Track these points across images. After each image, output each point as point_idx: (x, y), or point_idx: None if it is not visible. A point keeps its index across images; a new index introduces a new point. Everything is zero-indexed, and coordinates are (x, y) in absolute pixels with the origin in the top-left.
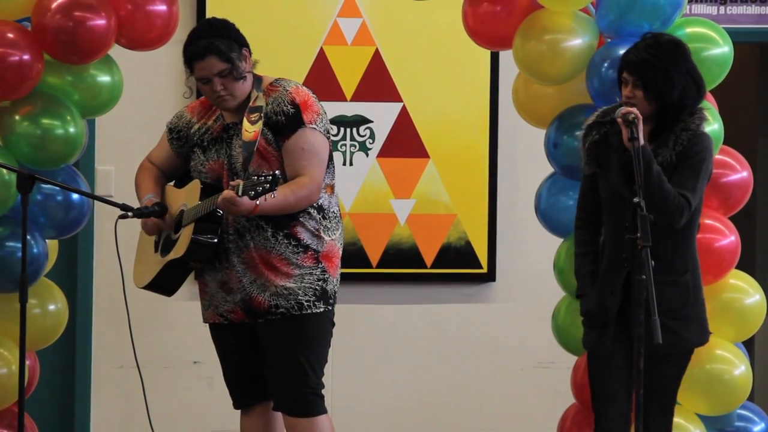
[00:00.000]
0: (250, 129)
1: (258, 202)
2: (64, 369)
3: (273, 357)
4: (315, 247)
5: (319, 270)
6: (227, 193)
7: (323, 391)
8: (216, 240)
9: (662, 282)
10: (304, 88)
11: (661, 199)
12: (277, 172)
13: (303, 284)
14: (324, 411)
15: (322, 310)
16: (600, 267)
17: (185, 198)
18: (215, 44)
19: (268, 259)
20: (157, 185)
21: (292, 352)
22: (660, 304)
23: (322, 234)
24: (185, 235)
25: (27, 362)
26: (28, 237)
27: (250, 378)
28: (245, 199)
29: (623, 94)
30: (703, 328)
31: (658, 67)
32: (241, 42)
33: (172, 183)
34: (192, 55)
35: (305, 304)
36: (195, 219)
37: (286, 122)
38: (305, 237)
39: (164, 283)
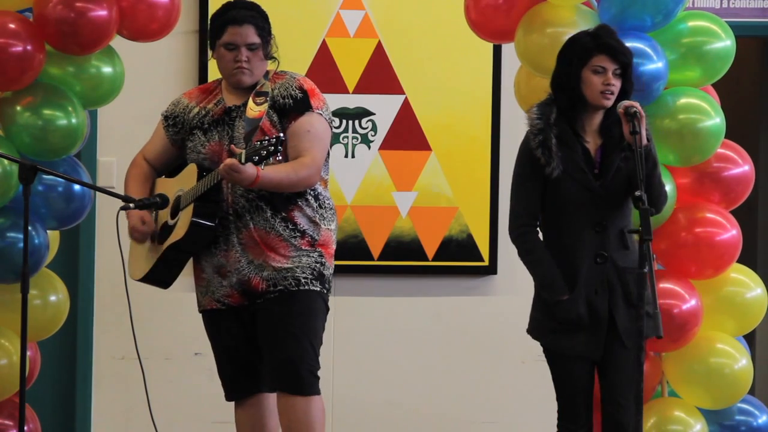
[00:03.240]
0: (255, 108)
1: (262, 167)
2: (65, 360)
3: (271, 334)
4: (311, 234)
5: (316, 253)
6: (229, 160)
7: (319, 375)
8: (215, 224)
9: (639, 273)
10: (309, 79)
11: (659, 191)
12: (281, 134)
13: (301, 264)
14: (318, 392)
15: (318, 289)
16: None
17: (181, 184)
18: (256, 18)
19: (267, 240)
20: (145, 187)
21: (290, 327)
22: (640, 294)
23: (319, 221)
24: (184, 217)
25: (28, 353)
26: (30, 228)
27: (243, 369)
28: (248, 165)
29: (604, 82)
30: None
31: (630, 55)
32: (270, 29)
33: (162, 177)
34: (232, 18)
35: (302, 280)
36: (195, 198)
37: (294, 105)
38: (302, 222)
39: (161, 274)
